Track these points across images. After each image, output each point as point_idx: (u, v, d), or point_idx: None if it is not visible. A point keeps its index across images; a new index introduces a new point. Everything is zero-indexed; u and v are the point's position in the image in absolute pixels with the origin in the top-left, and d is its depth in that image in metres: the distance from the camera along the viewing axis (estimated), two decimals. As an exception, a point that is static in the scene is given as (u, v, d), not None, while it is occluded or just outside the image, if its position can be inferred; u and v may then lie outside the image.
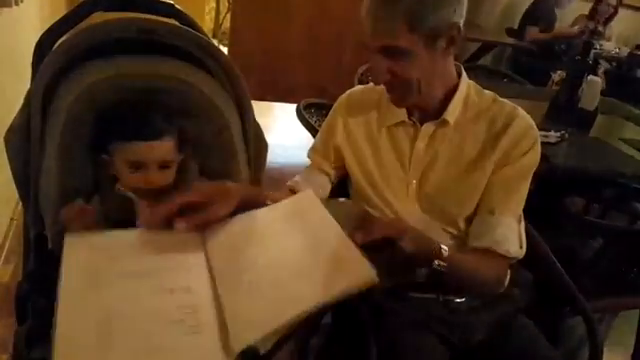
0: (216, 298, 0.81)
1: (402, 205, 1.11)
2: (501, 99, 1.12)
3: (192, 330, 0.78)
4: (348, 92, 1.22)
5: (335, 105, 1.22)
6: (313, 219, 0.91)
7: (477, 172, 1.07)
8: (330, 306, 0.78)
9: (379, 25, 0.95)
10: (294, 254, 0.90)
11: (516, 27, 4.48)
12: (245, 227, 0.92)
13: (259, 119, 1.18)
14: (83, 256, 0.85)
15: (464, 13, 0.98)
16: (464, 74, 1.10)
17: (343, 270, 0.83)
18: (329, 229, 0.89)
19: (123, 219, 1.01)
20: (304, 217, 0.92)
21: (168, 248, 0.90)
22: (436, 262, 0.93)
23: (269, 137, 1.20)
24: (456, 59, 1.10)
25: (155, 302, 0.82)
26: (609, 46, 4.28)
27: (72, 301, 0.78)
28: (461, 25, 0.98)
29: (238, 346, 0.72)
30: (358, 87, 1.22)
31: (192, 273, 0.88)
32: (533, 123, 1.09)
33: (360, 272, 0.79)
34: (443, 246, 0.95)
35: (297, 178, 1.24)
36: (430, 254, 0.93)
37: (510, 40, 4.33)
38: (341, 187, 1.24)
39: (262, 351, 0.72)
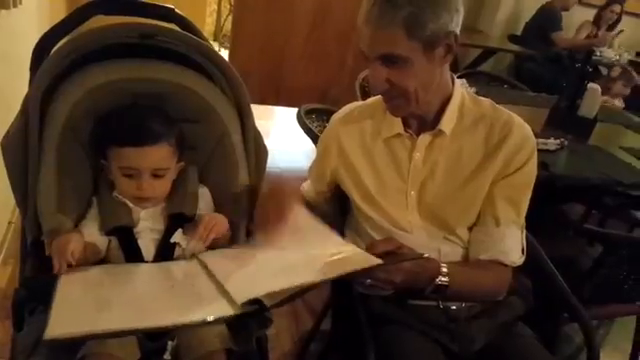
0: (215, 282, 0.83)
1: (402, 216, 1.11)
2: (499, 106, 1.12)
3: (192, 294, 0.80)
4: (342, 109, 1.22)
5: (330, 122, 1.23)
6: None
7: (476, 182, 1.08)
8: (337, 280, 0.81)
9: (378, 33, 0.95)
10: (292, 253, 0.92)
11: (519, 34, 4.49)
12: (242, 248, 0.96)
13: (259, 122, 1.18)
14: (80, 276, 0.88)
15: (460, 22, 0.99)
16: (457, 83, 1.10)
17: (347, 258, 0.89)
18: (327, 238, 0.92)
19: (120, 226, 1.01)
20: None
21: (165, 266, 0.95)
22: (438, 280, 0.99)
23: (269, 141, 1.20)
24: (456, 65, 1.11)
25: (155, 287, 0.85)
26: (609, 53, 4.30)
27: (71, 288, 0.81)
28: (458, 34, 0.98)
29: (240, 298, 0.72)
30: (352, 104, 1.23)
31: (190, 272, 0.90)
32: (530, 132, 1.09)
33: (364, 258, 0.85)
34: (442, 264, 1.00)
35: (304, 186, 1.29)
36: (429, 276, 0.99)
37: (513, 47, 4.33)
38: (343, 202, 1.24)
39: (268, 304, 0.73)
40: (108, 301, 0.80)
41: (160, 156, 1.02)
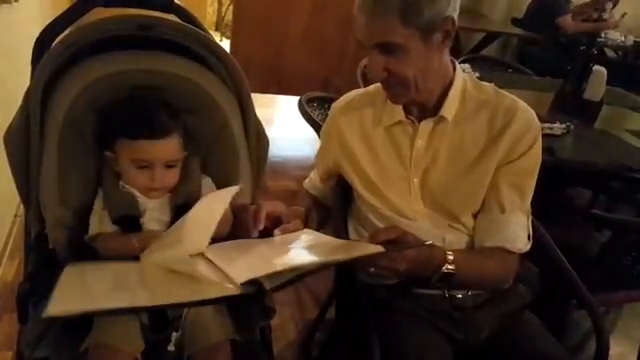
0: (215, 266, 0.84)
1: (405, 204, 1.10)
2: (502, 91, 1.10)
3: (193, 275, 0.80)
4: (342, 97, 1.21)
5: (330, 111, 1.22)
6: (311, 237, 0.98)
7: (480, 169, 1.06)
8: (338, 266, 0.82)
9: (373, 22, 0.94)
10: (295, 245, 0.93)
11: (521, 17, 4.42)
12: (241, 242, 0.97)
13: (261, 111, 1.17)
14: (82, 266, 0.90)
15: (458, 6, 0.97)
16: (459, 68, 1.08)
17: (350, 245, 0.90)
18: (330, 239, 0.93)
19: (127, 214, 1.01)
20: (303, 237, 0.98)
21: None
22: (444, 267, 0.98)
23: (272, 130, 1.20)
24: (459, 50, 1.09)
25: (156, 271, 0.86)
26: (615, 35, 4.23)
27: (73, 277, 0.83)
28: (455, 18, 0.97)
29: (240, 279, 0.74)
30: (352, 91, 1.22)
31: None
32: (534, 116, 1.08)
33: (367, 246, 0.86)
34: (448, 251, 1.00)
35: (312, 176, 1.27)
36: (434, 264, 0.98)
37: (516, 30, 4.27)
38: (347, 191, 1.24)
39: (268, 287, 0.73)
40: (108, 285, 0.81)
41: (173, 148, 1.03)
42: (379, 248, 0.84)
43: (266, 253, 0.90)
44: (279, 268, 0.74)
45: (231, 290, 0.75)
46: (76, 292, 0.78)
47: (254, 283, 0.74)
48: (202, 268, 0.83)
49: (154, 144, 1.00)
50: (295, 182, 2.60)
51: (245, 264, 0.83)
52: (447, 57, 1.05)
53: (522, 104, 1.08)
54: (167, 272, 0.85)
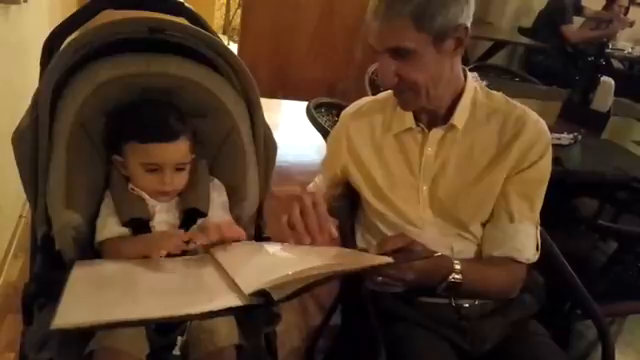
0: (224, 275, 0.84)
1: (414, 211, 1.10)
2: (512, 100, 1.10)
3: (201, 286, 0.80)
4: (352, 104, 1.21)
5: (340, 117, 1.22)
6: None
7: (489, 178, 1.06)
8: (345, 276, 0.81)
9: (386, 26, 0.94)
10: (302, 253, 0.93)
11: (530, 26, 4.42)
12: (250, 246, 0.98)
13: (267, 116, 1.17)
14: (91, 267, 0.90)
15: (471, 14, 0.97)
16: (470, 76, 1.08)
17: (358, 255, 0.90)
18: (337, 248, 0.93)
19: (137, 217, 1.01)
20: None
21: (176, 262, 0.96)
22: (451, 277, 0.97)
23: (278, 135, 1.19)
24: (466, 58, 1.09)
25: (164, 281, 0.88)
26: (621, 45, 4.23)
27: (80, 283, 0.84)
28: (468, 26, 0.97)
29: (248, 289, 0.74)
30: (362, 99, 1.22)
31: (200, 266, 0.90)
32: (545, 126, 1.07)
33: (374, 257, 0.85)
34: (455, 261, 0.99)
35: (317, 181, 1.26)
36: (442, 273, 0.98)
37: (524, 39, 4.27)
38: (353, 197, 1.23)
39: (276, 298, 0.73)
40: (117, 295, 0.80)
41: (182, 151, 1.04)
42: (387, 259, 0.83)
43: (273, 260, 0.90)
44: (287, 278, 0.74)
45: (239, 301, 0.74)
46: (83, 302, 0.78)
47: (262, 294, 0.73)
48: (212, 279, 0.83)
49: (164, 147, 1.00)
50: (300, 187, 2.59)
51: (253, 272, 0.83)
52: (459, 65, 1.05)
53: (533, 114, 1.07)
54: (176, 284, 0.85)
